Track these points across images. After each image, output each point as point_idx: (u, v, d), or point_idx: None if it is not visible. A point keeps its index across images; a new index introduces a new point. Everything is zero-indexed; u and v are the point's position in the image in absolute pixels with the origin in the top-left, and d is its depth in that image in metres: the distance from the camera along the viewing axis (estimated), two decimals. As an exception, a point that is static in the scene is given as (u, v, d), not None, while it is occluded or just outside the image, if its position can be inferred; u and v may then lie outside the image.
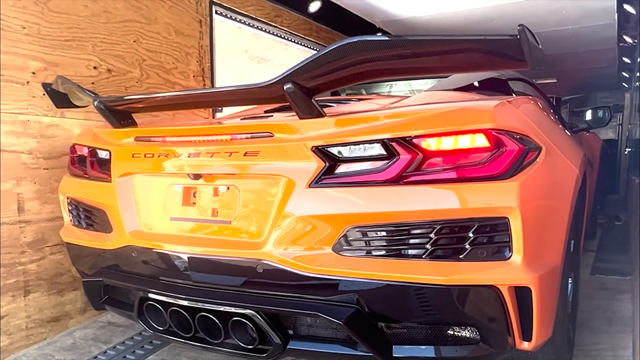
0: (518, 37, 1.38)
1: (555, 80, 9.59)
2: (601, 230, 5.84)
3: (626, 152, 8.74)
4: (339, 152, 1.66)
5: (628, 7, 5.16)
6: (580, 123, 4.50)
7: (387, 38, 1.54)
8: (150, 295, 1.93)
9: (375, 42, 1.55)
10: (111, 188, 2.09)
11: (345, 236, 1.63)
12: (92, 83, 2.98)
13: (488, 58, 1.52)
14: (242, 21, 4.38)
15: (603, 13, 5.34)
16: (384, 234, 1.60)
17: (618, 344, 2.59)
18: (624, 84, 9.88)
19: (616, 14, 5.35)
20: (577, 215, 2.22)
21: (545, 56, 1.53)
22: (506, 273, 1.50)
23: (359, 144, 1.64)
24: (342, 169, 1.65)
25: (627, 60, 7.63)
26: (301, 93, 1.68)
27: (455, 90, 2.70)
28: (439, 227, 1.53)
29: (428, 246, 1.54)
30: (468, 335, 1.64)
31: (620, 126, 10.60)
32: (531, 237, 1.52)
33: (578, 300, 2.66)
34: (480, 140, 1.54)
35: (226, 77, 4.34)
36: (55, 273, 2.83)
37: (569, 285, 2.31)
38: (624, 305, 3.18)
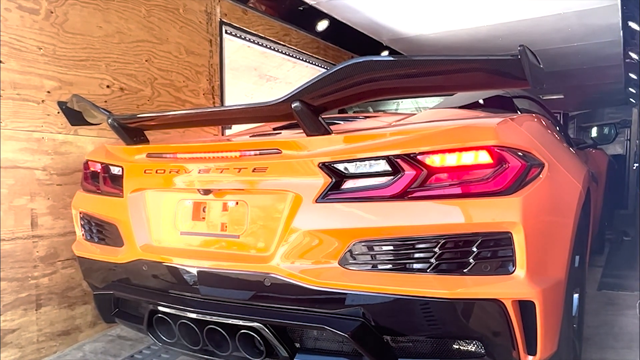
0: (519, 57, 1.42)
1: (562, 96, 9.61)
2: (609, 245, 5.81)
3: (634, 167, 8.72)
4: (345, 168, 1.70)
5: (633, 24, 5.20)
6: (588, 139, 4.49)
7: (393, 58, 1.60)
8: (160, 308, 1.96)
9: (382, 62, 1.60)
10: (123, 203, 2.14)
11: (351, 250, 1.66)
12: (105, 101, 3.05)
13: (490, 77, 1.57)
14: (252, 40, 4.46)
15: (608, 30, 5.38)
16: (389, 248, 1.63)
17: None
18: (631, 99, 9.88)
19: (621, 31, 5.39)
20: (582, 230, 2.23)
21: (546, 75, 1.57)
22: (510, 287, 1.52)
23: (364, 161, 1.67)
24: (348, 184, 1.69)
25: (633, 76, 7.65)
26: (308, 111, 1.72)
27: (460, 107, 2.74)
28: (444, 241, 1.56)
29: (432, 260, 1.57)
30: (473, 349, 1.65)
31: (628, 141, 10.57)
32: (534, 252, 1.54)
33: (584, 316, 2.66)
34: (484, 157, 1.57)
35: (236, 95, 4.40)
36: (67, 287, 2.87)
37: (575, 300, 2.32)
38: (631, 321, 3.17)
